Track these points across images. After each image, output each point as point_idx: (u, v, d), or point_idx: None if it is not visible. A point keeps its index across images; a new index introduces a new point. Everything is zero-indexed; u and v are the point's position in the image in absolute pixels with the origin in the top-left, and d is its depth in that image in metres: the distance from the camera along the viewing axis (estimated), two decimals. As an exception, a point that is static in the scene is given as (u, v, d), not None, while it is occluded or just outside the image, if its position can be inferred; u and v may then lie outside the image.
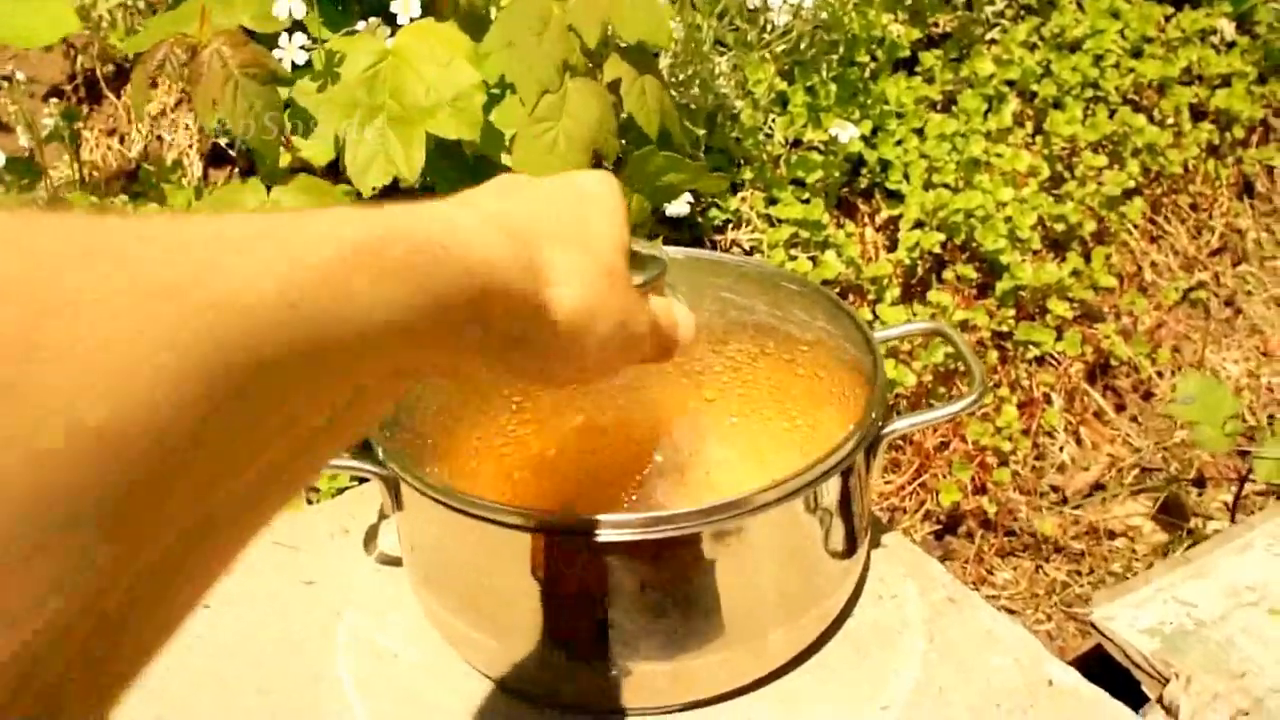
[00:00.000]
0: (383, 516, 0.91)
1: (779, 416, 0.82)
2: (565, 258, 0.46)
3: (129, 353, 0.25)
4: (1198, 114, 1.53)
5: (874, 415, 0.72)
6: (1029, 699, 0.76)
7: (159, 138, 1.22)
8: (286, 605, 0.85)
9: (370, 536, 0.90)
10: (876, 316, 1.21)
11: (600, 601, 0.68)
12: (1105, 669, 0.93)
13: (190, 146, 1.21)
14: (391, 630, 0.82)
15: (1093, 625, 0.90)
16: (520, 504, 0.70)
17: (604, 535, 0.65)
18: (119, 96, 1.26)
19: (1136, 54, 1.52)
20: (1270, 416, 1.34)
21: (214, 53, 0.89)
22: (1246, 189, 1.56)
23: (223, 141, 1.20)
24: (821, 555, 0.74)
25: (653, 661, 0.71)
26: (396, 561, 0.87)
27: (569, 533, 0.65)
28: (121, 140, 1.22)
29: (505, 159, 0.99)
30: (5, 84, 1.18)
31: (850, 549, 0.77)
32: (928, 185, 1.29)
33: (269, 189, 0.95)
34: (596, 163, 0.96)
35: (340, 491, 1.02)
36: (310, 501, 1.06)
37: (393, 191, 1.10)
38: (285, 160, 1.03)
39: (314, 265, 0.31)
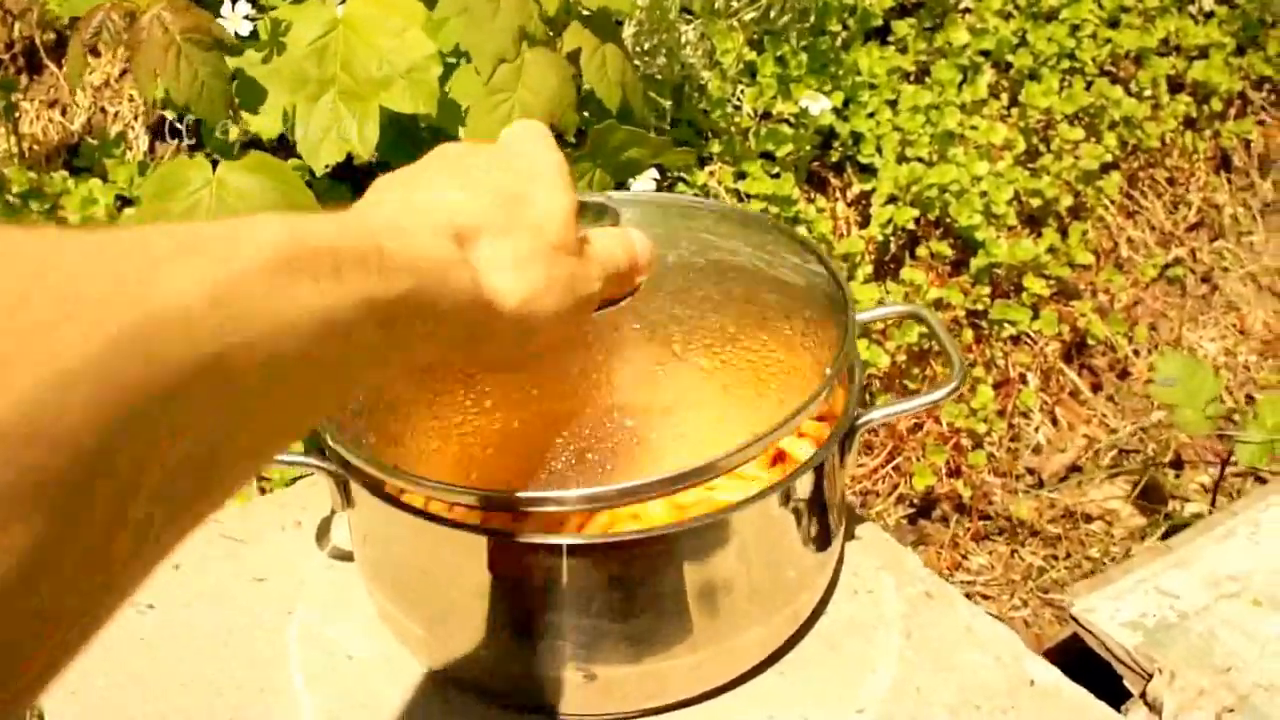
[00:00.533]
0: (334, 510, 0.87)
1: (751, 369, 0.78)
2: (505, 244, 0.46)
3: (52, 360, 0.25)
4: (1175, 86, 1.50)
5: (851, 411, 0.69)
6: (1010, 700, 0.73)
7: (102, 110, 1.17)
8: (236, 603, 0.81)
9: (323, 530, 0.86)
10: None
11: (560, 602, 0.64)
12: (1083, 658, 0.91)
13: (135, 119, 1.15)
14: (344, 629, 0.78)
15: (1072, 618, 0.87)
16: (483, 487, 0.65)
17: (564, 538, 0.61)
18: (60, 66, 1.20)
19: (1113, 24, 1.49)
20: (1248, 396, 1.32)
21: (154, 18, 0.84)
22: (1224, 163, 1.53)
23: (170, 114, 1.14)
24: (795, 551, 0.70)
25: (616, 664, 0.67)
26: (350, 556, 0.83)
27: (525, 536, 0.62)
28: (63, 112, 1.17)
29: (463, 133, 0.95)
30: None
31: (825, 543, 0.73)
32: (901, 159, 1.25)
33: (215, 165, 0.90)
34: (555, 136, 0.91)
35: (293, 481, 0.98)
36: (262, 490, 1.02)
37: (347, 169, 1.05)
38: (235, 134, 0.98)
39: (241, 271, 0.31)
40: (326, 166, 0.90)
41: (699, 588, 0.66)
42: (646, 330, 0.72)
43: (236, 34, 0.88)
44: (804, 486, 0.68)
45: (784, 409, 0.65)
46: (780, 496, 0.66)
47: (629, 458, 0.67)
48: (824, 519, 0.72)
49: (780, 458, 0.80)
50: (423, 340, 0.41)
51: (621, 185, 1.00)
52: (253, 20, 0.90)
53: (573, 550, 0.63)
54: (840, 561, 0.81)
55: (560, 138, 0.92)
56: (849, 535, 0.83)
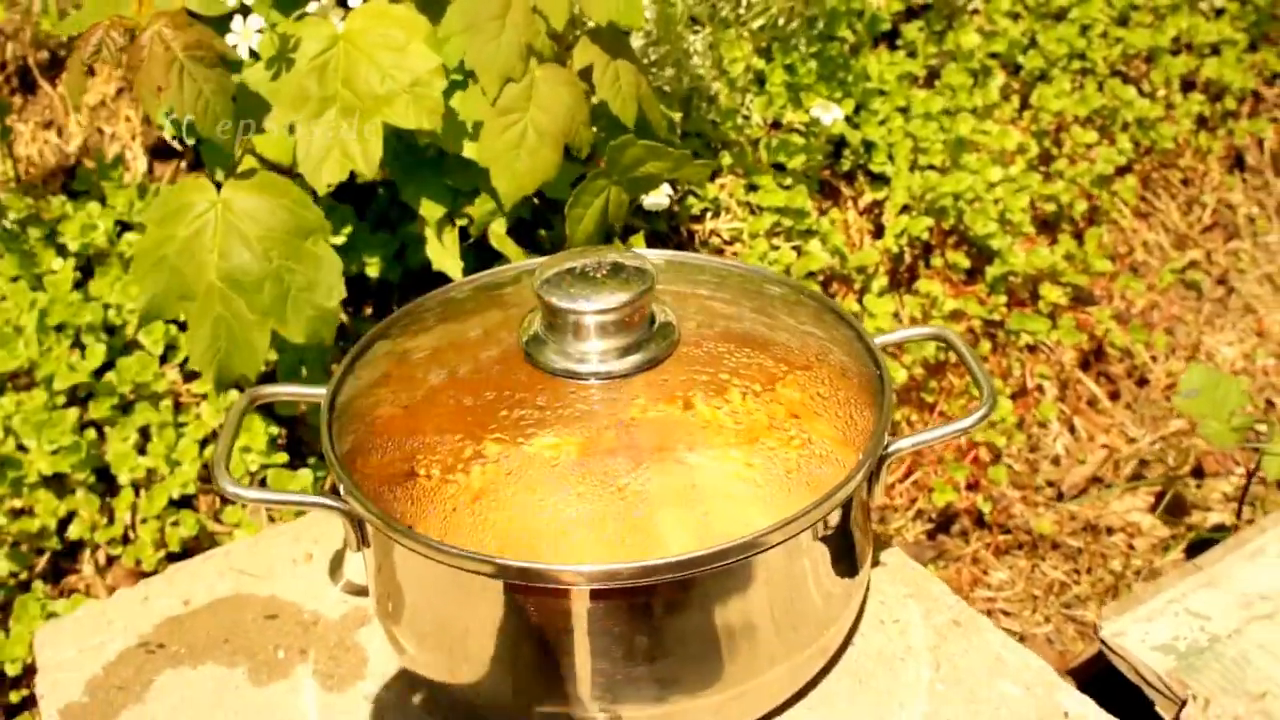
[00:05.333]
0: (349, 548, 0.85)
1: (775, 443, 0.76)
2: None
3: None
4: (1186, 85, 1.48)
5: (883, 438, 0.67)
6: (1044, 733, 0.71)
7: (99, 130, 1.14)
8: (248, 641, 0.79)
9: (336, 564, 0.84)
10: (864, 308, 1.15)
11: (587, 648, 0.63)
12: (1110, 677, 0.89)
13: (133, 139, 1.13)
14: (362, 668, 0.76)
15: (1102, 641, 0.85)
16: (498, 555, 0.63)
17: (590, 586, 0.59)
18: (54, 86, 1.18)
19: (1123, 22, 1.47)
20: (1268, 401, 1.30)
21: (155, 35, 0.81)
22: (1237, 162, 1.51)
23: (168, 135, 1.12)
24: (823, 586, 0.68)
25: (641, 706, 0.65)
26: (364, 591, 0.82)
27: (556, 584, 0.60)
28: (60, 134, 1.14)
29: (468, 151, 0.92)
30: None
31: (852, 575, 0.71)
32: (913, 166, 1.23)
33: (219, 186, 0.87)
34: (567, 155, 0.89)
35: (302, 511, 0.96)
36: (271, 519, 1.00)
37: (350, 188, 1.03)
38: (249, 163, 0.95)
39: None
40: (329, 186, 0.87)
41: (724, 627, 0.64)
42: (672, 397, 0.69)
43: (251, 51, 0.85)
44: (831, 522, 0.66)
45: (807, 484, 0.63)
46: (809, 536, 0.64)
47: (644, 529, 0.64)
48: (852, 551, 0.70)
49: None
50: None
51: (636, 201, 0.98)
52: (262, 34, 0.87)
53: (595, 594, 0.61)
54: (867, 591, 0.79)
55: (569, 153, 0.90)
56: (875, 563, 0.81)
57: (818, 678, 0.73)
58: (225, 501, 1.00)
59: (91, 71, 1.15)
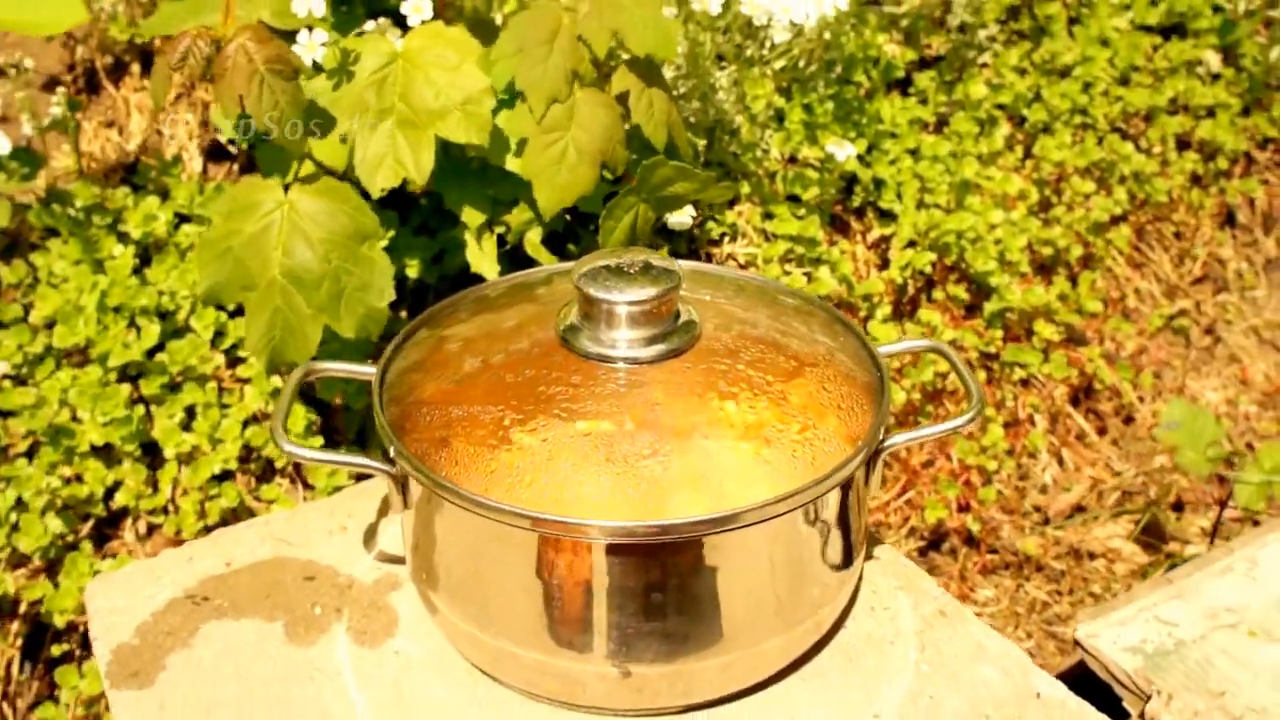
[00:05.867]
0: (382, 515, 0.91)
1: (783, 427, 0.83)
2: None
3: None
4: (1182, 144, 1.56)
5: (880, 430, 0.74)
6: (1017, 710, 0.78)
7: (158, 132, 1.22)
8: (287, 600, 0.86)
9: (370, 535, 0.91)
10: (868, 333, 1.22)
11: (605, 603, 0.69)
12: (1086, 686, 0.95)
13: (190, 140, 1.21)
14: (393, 626, 0.83)
15: (1076, 642, 0.92)
16: (532, 509, 0.70)
17: (612, 540, 0.66)
18: (117, 88, 1.26)
19: (1124, 82, 1.55)
20: (1249, 445, 1.37)
21: (240, 47, 0.88)
22: (1228, 219, 1.59)
23: (224, 138, 1.20)
24: (820, 565, 0.75)
25: (652, 664, 0.72)
26: (398, 560, 0.88)
27: (577, 536, 0.66)
28: (120, 132, 1.22)
29: (510, 165, 1.00)
30: (13, 71, 1.18)
31: (847, 560, 0.78)
32: (920, 205, 1.30)
33: (286, 188, 0.94)
34: (602, 174, 0.96)
35: (336, 490, 1.03)
36: (304, 499, 1.07)
37: (394, 196, 1.10)
38: (307, 168, 1.02)
39: None
40: (382, 191, 0.95)
41: (729, 592, 0.71)
42: (693, 388, 0.76)
43: (314, 63, 0.93)
44: (831, 504, 0.73)
45: (811, 470, 0.71)
46: (808, 513, 0.71)
47: (663, 497, 0.71)
48: (847, 537, 0.77)
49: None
50: None
51: (660, 219, 1.05)
52: (325, 48, 0.94)
53: (616, 549, 0.68)
54: (860, 580, 0.85)
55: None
56: (869, 556, 0.88)
57: (812, 653, 0.80)
58: (261, 480, 1.07)
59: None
